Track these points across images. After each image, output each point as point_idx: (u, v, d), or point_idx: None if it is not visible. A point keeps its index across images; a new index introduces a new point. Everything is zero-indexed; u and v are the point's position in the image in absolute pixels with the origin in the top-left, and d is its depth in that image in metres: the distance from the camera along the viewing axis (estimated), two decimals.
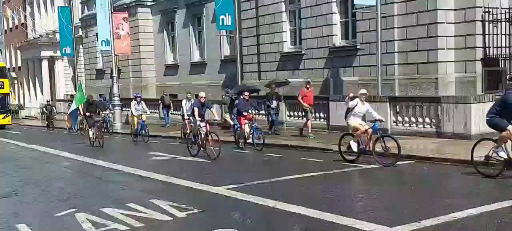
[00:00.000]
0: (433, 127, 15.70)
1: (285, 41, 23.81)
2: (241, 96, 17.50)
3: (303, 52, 22.57)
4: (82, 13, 41.07)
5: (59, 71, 48.88)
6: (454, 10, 17.61)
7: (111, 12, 28.44)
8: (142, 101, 21.68)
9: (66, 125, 29.86)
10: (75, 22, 41.09)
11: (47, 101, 38.42)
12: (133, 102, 21.67)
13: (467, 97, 15.26)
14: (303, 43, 22.64)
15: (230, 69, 26.70)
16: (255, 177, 10.91)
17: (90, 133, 19.75)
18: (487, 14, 16.98)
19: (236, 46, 25.35)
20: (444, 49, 17.64)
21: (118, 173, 12.88)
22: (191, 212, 8.13)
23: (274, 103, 19.07)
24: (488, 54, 17.22)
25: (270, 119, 19.28)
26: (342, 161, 12.37)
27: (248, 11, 25.24)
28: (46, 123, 33.87)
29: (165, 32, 32.95)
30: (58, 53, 42.47)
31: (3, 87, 37.31)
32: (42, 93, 48.54)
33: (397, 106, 16.71)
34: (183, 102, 20.13)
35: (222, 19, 24.81)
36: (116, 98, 27.47)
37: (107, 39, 28.98)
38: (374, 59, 17.94)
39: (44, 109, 36.37)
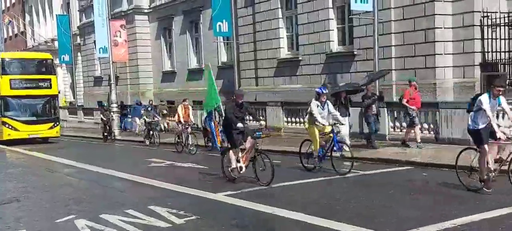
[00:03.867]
0: (432, 132, 15.65)
1: (282, 47, 23.78)
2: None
3: (300, 58, 22.54)
4: (80, 21, 41.08)
5: (58, 79, 48.66)
6: (452, 15, 17.58)
7: (109, 20, 28.46)
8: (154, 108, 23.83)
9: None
10: (73, 30, 41.17)
11: (101, 104, 29.39)
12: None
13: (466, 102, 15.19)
14: (300, 49, 22.61)
15: (227, 75, 26.65)
16: None
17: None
18: (485, 18, 16.95)
19: (233, 53, 25.32)
20: (442, 54, 17.60)
21: (116, 179, 12.80)
22: (189, 218, 8.05)
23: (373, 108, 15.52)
24: (487, 59, 17.17)
25: (372, 128, 15.40)
26: None
27: (245, 17, 25.22)
28: (104, 133, 26.27)
29: (162, 39, 32.92)
30: (57, 61, 42.36)
31: (50, 87, 26.99)
32: None
33: (395, 112, 16.66)
34: (179, 109, 19.08)
35: (219, 25, 24.80)
36: (114, 105, 27.43)
37: (104, 46, 29.05)
38: (371, 65, 17.87)
39: (103, 116, 26.81)
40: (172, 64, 32.57)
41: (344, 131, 13.84)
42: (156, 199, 9.69)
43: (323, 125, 11.72)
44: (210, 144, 18.31)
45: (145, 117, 22.57)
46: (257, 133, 10.73)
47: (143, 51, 33.95)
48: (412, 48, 18.07)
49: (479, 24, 17.09)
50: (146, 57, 34.14)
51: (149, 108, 23.57)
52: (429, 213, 7.76)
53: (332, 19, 21.15)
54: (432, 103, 16.12)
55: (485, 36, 17.10)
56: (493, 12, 16.95)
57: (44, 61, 27.79)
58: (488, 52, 17.15)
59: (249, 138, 10.93)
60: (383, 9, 18.09)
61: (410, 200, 9.02)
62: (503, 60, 17.09)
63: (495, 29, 16.95)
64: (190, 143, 17.80)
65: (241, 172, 11.03)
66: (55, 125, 26.82)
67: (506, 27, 16.87)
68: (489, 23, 16.95)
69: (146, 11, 33.76)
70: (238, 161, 11.04)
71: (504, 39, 16.99)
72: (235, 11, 25.11)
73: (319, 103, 11.89)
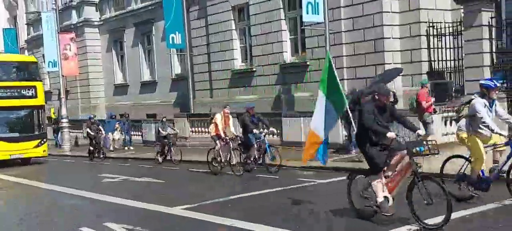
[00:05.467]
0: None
1: (236, 59, 23.90)
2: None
3: (254, 69, 22.71)
4: (28, 35, 40.08)
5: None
6: (400, 25, 18.15)
7: (58, 33, 27.88)
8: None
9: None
10: (21, 44, 40.06)
11: (89, 117, 24.10)
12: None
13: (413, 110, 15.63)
14: (254, 60, 22.79)
15: (181, 87, 26.55)
16: None
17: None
18: (431, 28, 17.57)
19: (187, 65, 25.26)
20: (391, 63, 18.08)
21: (69, 197, 12.50)
22: None
23: None
24: (433, 67, 17.79)
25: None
26: None
27: (198, 29, 25.23)
28: (90, 150, 22.28)
29: (113, 51, 32.51)
30: None
31: (35, 96, 21.97)
32: None
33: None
34: (217, 118, 14.90)
35: (172, 37, 24.74)
36: (65, 120, 26.84)
37: (54, 60, 28.50)
38: None
39: (89, 130, 22.56)
40: (124, 77, 32.17)
41: None
42: (110, 215, 9.54)
43: (499, 133, 7.96)
44: (250, 161, 14.13)
45: (160, 128, 18.91)
46: (419, 148, 7.12)
47: (94, 64, 33.44)
48: (362, 58, 18.52)
49: (425, 34, 17.71)
50: (97, 70, 33.62)
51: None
52: None
53: (285, 30, 21.44)
54: None
55: (432, 46, 17.72)
56: (439, 22, 17.60)
57: (28, 65, 22.96)
58: (434, 61, 17.77)
59: (402, 153, 7.37)
60: (333, 20, 18.49)
61: None
62: (449, 69, 17.72)
63: (440, 39, 17.59)
64: (234, 162, 13.98)
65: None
66: (42, 142, 21.89)
67: (451, 37, 17.52)
68: (435, 33, 17.58)
69: (96, 23, 33.27)
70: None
71: (450, 48, 17.63)
72: (188, 23, 25.09)
73: (486, 102, 8.09)
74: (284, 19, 21.41)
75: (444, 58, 17.73)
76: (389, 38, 18.07)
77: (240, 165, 13.87)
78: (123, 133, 24.62)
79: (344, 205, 8.12)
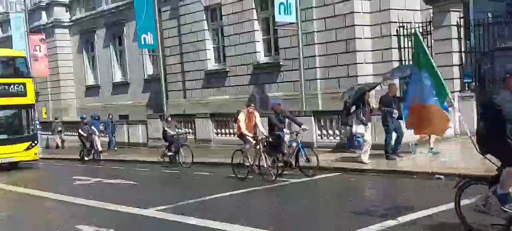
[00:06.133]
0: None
1: (209, 59, 23.87)
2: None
3: (227, 69, 22.72)
4: None
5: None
6: (371, 25, 18.40)
7: (27, 34, 27.42)
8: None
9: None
10: None
11: (82, 116, 23.51)
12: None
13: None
14: (227, 60, 22.80)
15: (154, 88, 26.38)
16: None
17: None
18: (401, 28, 17.85)
19: (159, 65, 25.08)
20: (363, 63, 18.35)
21: (42, 199, 12.32)
22: None
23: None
24: None
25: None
26: None
27: (170, 29, 25.12)
28: (81, 152, 21.45)
29: (84, 52, 32.15)
30: None
31: (24, 94, 19.91)
32: None
33: (322, 120, 17.12)
34: (241, 116, 13.45)
35: (144, 37, 24.42)
36: (37, 122, 26.33)
37: None
38: (297, 75, 18.35)
39: (81, 131, 21.74)
40: (95, 78, 31.81)
41: (369, 137, 12.73)
42: (83, 217, 9.45)
43: None
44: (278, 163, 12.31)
45: (166, 128, 17.26)
46: None
47: (64, 65, 33.01)
48: (334, 58, 18.71)
49: (396, 34, 17.98)
50: (68, 71, 33.20)
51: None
52: None
53: (258, 30, 21.50)
54: None
55: (402, 46, 18.00)
56: (408, 22, 17.87)
57: (16, 60, 20.68)
58: (404, 60, 18.03)
59: None
60: (306, 21, 18.64)
61: None
62: None
63: (411, 39, 17.85)
64: (265, 166, 12.18)
65: None
66: (33, 144, 19.95)
67: (421, 37, 17.74)
68: (405, 33, 17.86)
69: (66, 24, 32.85)
70: None
71: None
72: (160, 23, 24.91)
73: None
74: (257, 20, 21.47)
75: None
76: (361, 38, 18.30)
77: (272, 169, 11.95)
78: (107, 134, 24.01)
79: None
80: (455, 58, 16.03)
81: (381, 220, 7.43)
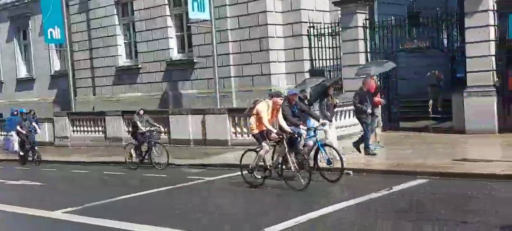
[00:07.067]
0: None
1: (120, 55, 23.34)
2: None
3: (139, 66, 22.33)
4: None
5: None
6: (283, 25, 18.82)
7: None
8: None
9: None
10: None
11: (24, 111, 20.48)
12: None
13: None
14: (139, 56, 22.41)
15: (62, 84, 25.40)
16: None
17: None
18: (312, 29, 18.42)
19: (67, 60, 24.16)
20: (276, 62, 18.74)
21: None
22: None
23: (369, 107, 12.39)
24: (314, 66, 18.66)
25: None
26: None
27: (79, 24, 24.29)
28: (20, 153, 18.77)
29: None
30: None
31: None
32: None
33: (236, 118, 17.29)
34: (261, 106, 10.19)
35: (51, 32, 23.58)
36: None
37: None
38: (211, 72, 18.42)
39: (20, 128, 18.64)
40: None
41: (333, 134, 11.78)
42: None
43: None
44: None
45: (138, 123, 14.83)
46: None
47: None
48: (248, 56, 18.96)
49: (307, 34, 18.53)
50: None
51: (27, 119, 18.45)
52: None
53: (171, 26, 21.30)
54: None
55: (313, 45, 18.59)
56: (318, 23, 18.49)
57: None
58: (315, 60, 18.66)
59: None
60: (220, 18, 18.74)
61: None
62: (329, 67, 18.67)
63: (320, 39, 18.49)
64: (293, 168, 9.82)
65: None
66: None
67: (330, 37, 18.48)
68: (316, 33, 18.46)
69: None
70: None
71: (329, 47, 18.58)
72: (68, 17, 24.03)
73: None
74: (170, 16, 21.26)
75: (324, 57, 18.64)
76: (273, 37, 18.68)
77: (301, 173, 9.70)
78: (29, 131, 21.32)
79: None
80: (362, 58, 16.77)
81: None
